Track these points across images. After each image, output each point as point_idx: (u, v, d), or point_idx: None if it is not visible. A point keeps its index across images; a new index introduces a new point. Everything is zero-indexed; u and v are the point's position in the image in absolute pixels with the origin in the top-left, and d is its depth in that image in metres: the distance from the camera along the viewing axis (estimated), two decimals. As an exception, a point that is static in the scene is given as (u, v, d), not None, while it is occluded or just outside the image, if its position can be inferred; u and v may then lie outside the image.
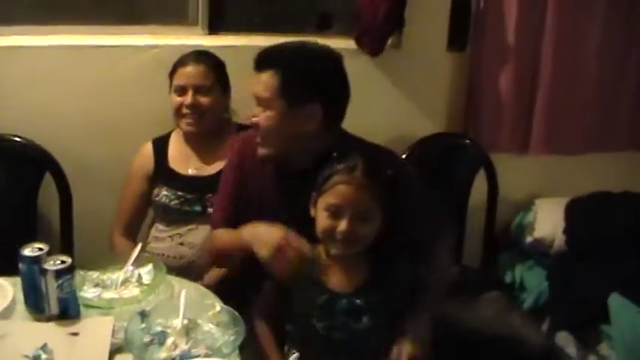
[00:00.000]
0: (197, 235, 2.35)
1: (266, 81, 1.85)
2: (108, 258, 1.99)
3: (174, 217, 2.39)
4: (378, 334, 1.77)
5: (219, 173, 2.20)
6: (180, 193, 2.38)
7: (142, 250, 2.14)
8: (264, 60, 1.88)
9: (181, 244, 2.36)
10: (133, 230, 2.48)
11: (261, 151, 1.92)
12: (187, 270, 2.30)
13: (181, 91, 2.36)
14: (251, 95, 1.90)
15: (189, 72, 2.36)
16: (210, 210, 2.33)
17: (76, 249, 2.52)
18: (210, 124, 2.39)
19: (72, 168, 2.54)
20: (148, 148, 2.47)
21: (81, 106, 2.62)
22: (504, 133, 2.90)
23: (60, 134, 2.57)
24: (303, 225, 1.79)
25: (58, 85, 2.59)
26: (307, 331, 1.77)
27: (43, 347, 1.47)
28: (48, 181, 2.55)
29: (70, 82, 2.60)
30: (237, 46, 2.61)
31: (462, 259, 2.85)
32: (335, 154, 1.78)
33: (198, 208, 2.36)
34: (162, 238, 2.41)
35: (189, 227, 2.37)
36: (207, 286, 2.12)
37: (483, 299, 2.58)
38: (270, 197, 1.97)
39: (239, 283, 2.12)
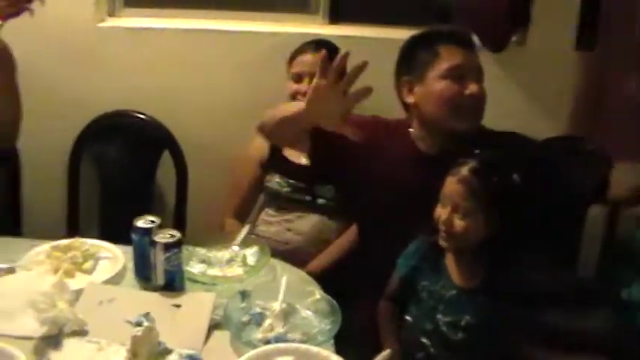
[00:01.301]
0: (305, 223, 2.38)
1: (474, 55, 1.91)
2: (217, 237, 2.05)
3: (283, 203, 2.43)
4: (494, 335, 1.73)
5: None
6: (291, 181, 2.41)
7: (250, 232, 2.19)
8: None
9: (289, 230, 2.39)
10: (243, 212, 2.53)
11: (469, 124, 1.90)
12: (292, 256, 2.32)
13: (298, 78, 2.38)
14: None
15: (308, 60, 2.37)
16: (319, 201, 2.35)
17: (188, 225, 2.61)
18: None
19: (190, 147, 2.63)
20: None
21: (201, 88, 2.71)
22: (633, 138, 2.75)
23: (181, 114, 2.67)
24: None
25: (182, 67, 2.69)
26: (430, 325, 1.76)
27: (146, 315, 1.53)
28: (166, 158, 2.65)
29: (192, 64, 2.69)
30: (357, 36, 2.61)
31: (577, 270, 2.73)
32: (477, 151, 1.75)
33: (307, 198, 2.38)
34: (270, 222, 2.44)
35: (297, 214, 2.40)
36: (310, 274, 2.15)
37: (595, 314, 2.46)
38: (400, 180, 1.92)
39: (343, 275, 2.14)
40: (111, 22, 2.74)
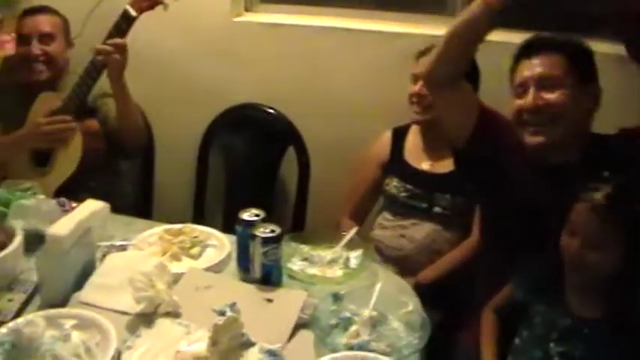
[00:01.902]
0: (419, 230, 2.33)
1: (554, 60, 1.79)
2: (334, 235, 1.99)
3: (400, 209, 2.39)
4: None
5: (451, 173, 2.15)
6: (409, 186, 2.36)
7: (363, 235, 2.17)
8: (544, 44, 1.83)
9: (402, 236, 2.35)
10: (360, 214, 2.52)
11: (546, 137, 1.79)
12: (403, 263, 2.30)
13: (415, 80, 2.33)
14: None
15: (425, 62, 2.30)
16: (436, 209, 2.30)
17: (307, 222, 2.64)
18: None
19: (314, 144, 2.66)
20: (387, 137, 2.49)
21: (330, 86, 2.72)
22: None
23: (308, 111, 2.70)
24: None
25: (312, 64, 2.72)
26: (540, 353, 1.66)
27: (232, 305, 1.55)
28: (291, 154, 2.69)
29: (322, 61, 2.72)
30: (494, 41, 2.50)
31: None
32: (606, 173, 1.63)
33: (424, 205, 2.33)
34: (385, 226, 2.42)
35: (412, 221, 2.35)
36: (418, 285, 2.10)
37: None
38: (534, 192, 1.84)
39: (452, 291, 2.08)
40: (246, 17, 2.82)
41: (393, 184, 2.40)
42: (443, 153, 2.33)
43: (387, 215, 2.44)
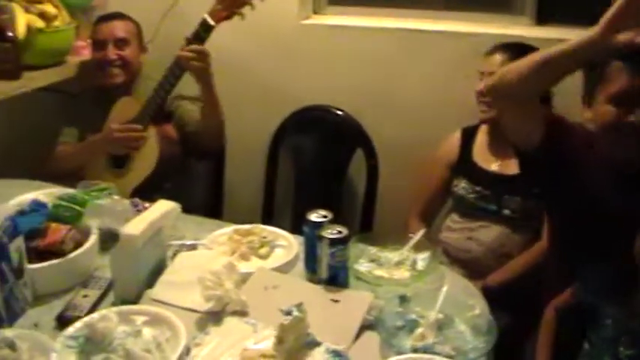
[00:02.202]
0: (487, 233, 2.31)
1: None
2: (402, 236, 1.98)
3: (468, 210, 2.37)
4: None
5: (520, 175, 2.12)
6: (478, 187, 2.34)
7: (432, 237, 2.16)
8: None
9: (470, 238, 2.33)
10: (429, 215, 2.51)
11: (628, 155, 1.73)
12: (471, 265, 2.27)
13: (482, 77, 2.29)
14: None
15: (495, 61, 2.27)
16: (505, 212, 2.26)
17: (375, 222, 2.64)
18: None
19: (382, 146, 2.66)
20: (456, 137, 2.46)
21: (398, 88, 2.72)
22: None
23: (376, 113, 2.70)
24: None
25: (380, 65, 2.72)
26: (609, 357, 1.62)
27: (298, 305, 1.55)
28: (359, 155, 2.69)
29: (390, 63, 2.71)
30: (566, 39, 2.44)
31: None
32: None
33: (493, 207, 2.30)
34: (454, 228, 2.40)
35: (480, 224, 2.33)
36: (487, 288, 2.07)
37: None
38: (606, 198, 1.79)
39: (521, 294, 2.04)
40: (314, 20, 2.85)
41: (461, 185, 2.38)
42: (512, 153, 2.29)
43: (455, 217, 2.42)
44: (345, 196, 2.77)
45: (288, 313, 1.51)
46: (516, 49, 2.24)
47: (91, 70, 2.65)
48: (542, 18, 2.63)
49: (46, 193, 2.16)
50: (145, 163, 2.49)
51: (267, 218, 2.77)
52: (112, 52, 2.59)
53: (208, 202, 2.78)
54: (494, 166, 2.35)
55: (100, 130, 2.60)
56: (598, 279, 1.70)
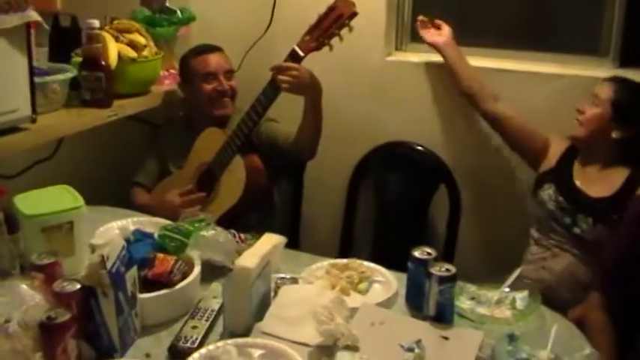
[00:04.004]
0: (559, 262, 2.33)
1: None
2: (485, 274, 2.04)
3: (545, 222, 2.42)
4: None
5: (602, 200, 2.24)
6: (561, 198, 2.38)
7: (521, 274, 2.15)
8: None
9: (543, 268, 2.34)
10: None
11: None
12: (546, 295, 2.25)
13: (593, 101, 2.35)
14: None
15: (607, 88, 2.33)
16: (575, 230, 2.31)
17: (456, 259, 2.64)
18: None
19: (464, 182, 2.66)
20: (563, 145, 2.49)
21: (479, 124, 2.72)
22: None
23: (458, 148, 2.72)
24: None
25: (461, 102, 2.72)
26: None
27: (418, 342, 1.57)
28: (441, 191, 2.70)
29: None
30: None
31: None
32: None
33: (567, 220, 2.34)
34: (529, 260, 2.43)
35: (552, 252, 2.38)
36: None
37: None
38: None
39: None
40: (397, 57, 2.88)
41: (548, 191, 2.39)
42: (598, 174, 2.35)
43: (532, 249, 2.43)
44: (427, 232, 2.78)
45: (410, 349, 1.52)
46: (628, 84, 2.33)
47: (203, 103, 2.67)
48: (626, 60, 2.64)
49: (134, 222, 2.21)
50: (231, 192, 2.53)
51: (345, 253, 2.78)
52: (225, 84, 2.64)
53: (286, 235, 2.81)
54: (578, 182, 2.39)
55: (184, 159, 2.66)
56: None
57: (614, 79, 2.34)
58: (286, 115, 2.59)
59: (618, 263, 2.05)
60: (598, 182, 2.32)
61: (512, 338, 1.66)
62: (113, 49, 2.49)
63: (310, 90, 2.43)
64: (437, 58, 2.77)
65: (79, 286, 1.55)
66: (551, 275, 2.33)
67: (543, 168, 2.48)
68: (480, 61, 2.74)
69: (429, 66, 2.77)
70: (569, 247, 2.35)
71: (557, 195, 2.37)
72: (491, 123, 2.60)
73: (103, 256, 1.53)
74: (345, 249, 2.83)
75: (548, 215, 2.38)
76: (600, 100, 2.31)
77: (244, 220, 2.50)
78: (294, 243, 2.74)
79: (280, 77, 2.38)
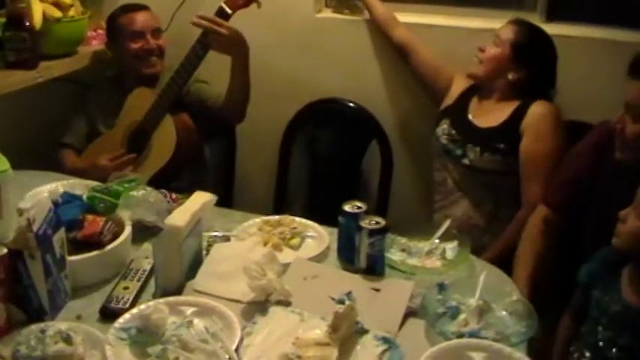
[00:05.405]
0: (457, 208, 2.42)
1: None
2: (416, 227, 2.05)
3: (440, 152, 2.48)
4: None
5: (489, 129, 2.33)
6: (453, 131, 2.44)
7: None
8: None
9: (446, 216, 2.37)
10: None
11: (626, 156, 1.86)
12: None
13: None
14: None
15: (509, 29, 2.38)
16: (464, 161, 2.38)
17: (388, 213, 2.68)
18: None
19: (396, 138, 2.69)
20: (465, 83, 2.54)
21: (411, 82, 2.72)
22: None
23: (389, 105, 2.75)
24: None
25: (392, 59, 2.73)
26: (592, 338, 1.71)
27: (348, 294, 1.60)
28: (373, 147, 2.73)
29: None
30: (575, 36, 2.50)
31: None
32: None
33: (458, 152, 2.41)
34: (434, 209, 2.52)
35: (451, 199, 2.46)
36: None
37: None
38: (618, 198, 1.81)
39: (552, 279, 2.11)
40: (327, 14, 2.87)
41: (443, 126, 2.46)
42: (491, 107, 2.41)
43: (435, 194, 2.51)
44: (359, 188, 2.80)
45: (341, 301, 1.55)
46: (528, 27, 2.37)
47: (130, 61, 2.62)
48: (553, 15, 2.66)
49: (64, 184, 2.17)
50: (162, 151, 2.50)
51: (279, 209, 2.79)
52: (152, 42, 2.59)
53: (219, 193, 2.80)
54: (470, 116, 2.45)
55: (114, 120, 2.62)
56: (595, 259, 1.79)
57: (516, 22, 2.39)
58: (216, 77, 2.57)
59: (568, 181, 2.11)
60: (489, 114, 2.38)
61: (442, 287, 1.70)
62: (38, 9, 2.42)
63: (237, 48, 2.40)
64: (367, 15, 2.78)
65: (5, 250, 1.52)
66: (454, 222, 2.32)
67: (444, 105, 2.54)
68: (408, 17, 2.73)
69: (359, 22, 2.76)
70: (464, 186, 2.41)
71: (451, 129, 2.43)
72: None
73: (29, 219, 1.51)
74: (280, 206, 2.84)
75: (442, 149, 2.44)
76: (501, 40, 2.36)
77: (177, 182, 2.49)
78: (228, 201, 2.77)
79: (210, 35, 2.35)
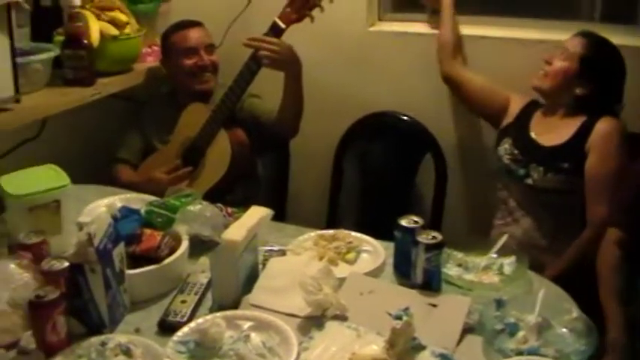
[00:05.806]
0: (518, 227, 2.36)
1: None
2: (472, 242, 2.02)
3: (503, 176, 2.43)
4: None
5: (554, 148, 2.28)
6: (516, 151, 2.38)
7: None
8: None
9: (506, 233, 2.33)
10: None
11: None
12: None
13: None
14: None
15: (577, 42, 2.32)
16: (528, 181, 2.31)
17: (443, 228, 2.65)
18: None
19: (451, 151, 2.68)
20: (521, 101, 2.50)
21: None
22: None
23: (443, 117, 2.72)
24: None
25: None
26: None
27: (406, 310, 1.59)
28: (428, 161, 2.71)
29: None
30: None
31: None
32: None
33: (521, 172, 2.35)
34: (495, 225, 2.47)
35: (510, 219, 2.41)
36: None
37: None
38: None
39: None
40: (380, 27, 2.87)
41: (504, 146, 2.41)
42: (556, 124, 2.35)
43: (498, 211, 2.46)
44: (413, 202, 2.79)
45: (398, 317, 1.53)
46: (597, 40, 2.30)
47: (183, 77, 2.66)
48: (610, 21, 2.61)
49: (121, 199, 2.21)
50: (217, 166, 2.53)
51: (331, 223, 2.78)
52: (206, 58, 2.63)
53: (272, 207, 2.83)
54: (533, 134, 2.39)
55: (168, 135, 2.66)
56: None
57: (585, 34, 2.31)
58: (269, 92, 2.58)
59: (636, 198, 2.02)
60: (553, 131, 2.32)
61: (499, 303, 1.67)
62: (95, 28, 2.48)
63: (290, 65, 2.42)
64: (418, 28, 2.77)
65: (66, 264, 1.55)
66: (514, 241, 2.31)
67: (504, 124, 2.49)
68: (460, 28, 2.71)
69: (412, 36, 2.76)
70: (526, 205, 2.35)
71: (513, 148, 2.37)
72: (451, 86, 2.62)
73: (89, 234, 1.53)
74: (332, 220, 2.83)
75: (504, 169, 2.38)
76: (569, 53, 2.29)
77: (231, 196, 2.51)
78: (281, 216, 2.76)
79: (261, 52, 2.38)
